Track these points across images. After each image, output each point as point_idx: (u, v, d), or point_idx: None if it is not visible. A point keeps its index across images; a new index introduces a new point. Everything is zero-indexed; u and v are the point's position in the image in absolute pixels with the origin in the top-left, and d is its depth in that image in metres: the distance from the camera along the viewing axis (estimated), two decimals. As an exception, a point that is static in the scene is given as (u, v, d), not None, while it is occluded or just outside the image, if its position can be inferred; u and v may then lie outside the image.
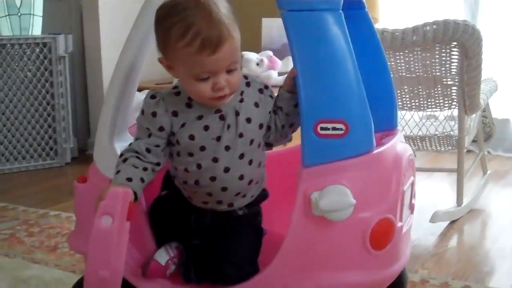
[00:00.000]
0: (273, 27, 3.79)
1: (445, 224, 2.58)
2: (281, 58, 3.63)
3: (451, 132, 2.66)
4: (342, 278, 1.39)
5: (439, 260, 2.22)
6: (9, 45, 3.60)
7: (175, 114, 1.41)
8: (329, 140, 1.36)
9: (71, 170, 3.72)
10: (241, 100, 1.43)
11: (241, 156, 1.43)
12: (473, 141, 3.00)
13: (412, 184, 1.56)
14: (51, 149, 3.77)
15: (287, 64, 3.63)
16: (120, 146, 1.56)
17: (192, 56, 1.31)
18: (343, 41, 1.36)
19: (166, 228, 1.55)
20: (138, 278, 1.51)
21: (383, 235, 1.41)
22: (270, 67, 3.53)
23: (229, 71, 1.34)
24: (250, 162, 1.45)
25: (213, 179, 1.43)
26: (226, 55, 1.32)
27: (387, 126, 1.61)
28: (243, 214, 1.52)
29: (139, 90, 1.74)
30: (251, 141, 1.43)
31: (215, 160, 1.41)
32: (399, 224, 1.44)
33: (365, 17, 1.62)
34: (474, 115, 2.78)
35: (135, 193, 1.36)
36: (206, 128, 1.40)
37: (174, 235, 1.55)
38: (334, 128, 1.35)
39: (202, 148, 1.41)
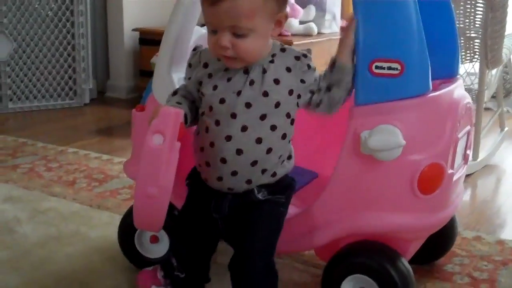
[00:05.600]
0: (296, -26, 3.75)
1: (459, 177, 2.59)
2: (303, 7, 3.60)
3: (471, 86, 2.65)
4: (386, 219, 1.39)
5: None
6: (31, -18, 3.60)
7: (205, 65, 1.39)
8: (384, 79, 1.35)
9: (90, 111, 3.75)
10: (272, 61, 1.35)
11: (263, 117, 1.34)
12: (492, 97, 2.99)
13: (468, 134, 1.54)
14: (70, 89, 3.80)
15: (309, 12, 3.60)
16: (177, 77, 1.58)
17: (201, 2, 1.30)
18: None
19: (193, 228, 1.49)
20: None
21: (432, 179, 1.39)
22: (291, 15, 3.51)
23: (237, 35, 1.28)
24: (273, 128, 1.35)
25: (228, 138, 1.35)
26: (226, 13, 1.26)
27: (447, 74, 1.58)
28: (264, 199, 1.39)
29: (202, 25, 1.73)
30: (277, 104, 1.34)
31: (233, 116, 1.34)
32: (449, 171, 1.42)
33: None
34: (495, 70, 2.75)
35: (185, 116, 1.37)
36: (229, 79, 1.35)
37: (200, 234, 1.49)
38: (389, 68, 1.34)
39: (222, 101, 1.35)
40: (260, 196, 1.39)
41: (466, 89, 2.61)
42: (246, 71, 1.34)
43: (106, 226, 1.98)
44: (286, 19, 1.34)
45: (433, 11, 1.54)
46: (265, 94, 1.33)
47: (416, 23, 1.34)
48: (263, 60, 1.34)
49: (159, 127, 1.27)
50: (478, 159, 2.70)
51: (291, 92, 1.35)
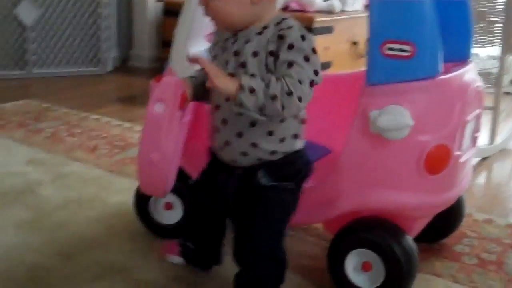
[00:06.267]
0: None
1: (475, 160, 2.61)
2: (327, -17, 3.61)
3: (491, 70, 2.66)
4: (394, 197, 1.44)
5: (466, 194, 2.25)
6: (59, -51, 3.64)
7: (219, 35, 1.42)
8: (395, 61, 1.38)
9: (113, 78, 3.81)
10: (260, 33, 1.30)
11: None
12: (512, 81, 3.00)
13: (478, 117, 1.57)
14: (94, 56, 3.85)
15: (332, -11, 3.60)
16: (194, 50, 1.61)
17: None
18: None
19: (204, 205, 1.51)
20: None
21: (438, 160, 1.43)
22: (314, -9, 3.52)
23: None
24: None
25: (217, 107, 1.37)
26: None
27: (460, 57, 1.61)
28: (269, 185, 1.36)
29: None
30: (252, 76, 1.26)
31: None
32: (457, 152, 1.46)
33: None
34: (516, 55, 2.76)
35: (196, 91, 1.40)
36: (223, 50, 1.35)
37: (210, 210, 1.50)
38: (400, 49, 1.37)
39: None
40: (264, 181, 1.36)
41: (485, 73, 2.65)
42: (234, 41, 1.33)
43: (126, 191, 2.03)
44: None
45: None
46: (242, 65, 1.29)
47: (429, 6, 1.37)
48: (251, 30, 1.31)
49: (161, 95, 1.32)
50: (495, 143, 2.71)
51: (268, 69, 1.27)
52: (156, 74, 1.82)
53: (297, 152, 1.38)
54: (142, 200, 1.76)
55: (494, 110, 2.68)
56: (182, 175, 1.59)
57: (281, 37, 1.25)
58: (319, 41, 3.26)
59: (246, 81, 1.22)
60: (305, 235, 1.80)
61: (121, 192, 2.06)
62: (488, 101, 2.78)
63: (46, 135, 2.62)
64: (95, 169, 2.27)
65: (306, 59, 1.23)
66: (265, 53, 1.26)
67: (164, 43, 3.89)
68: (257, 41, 1.28)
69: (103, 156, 2.41)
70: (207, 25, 1.66)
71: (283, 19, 1.30)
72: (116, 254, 1.68)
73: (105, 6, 3.77)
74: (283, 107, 1.22)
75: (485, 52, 2.72)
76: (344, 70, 3.40)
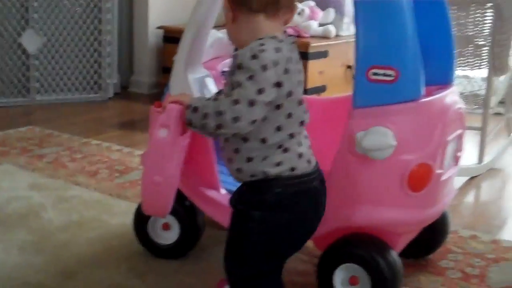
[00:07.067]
0: (316, -22, 3.85)
1: (464, 179, 2.69)
2: (322, 9, 3.70)
3: (479, 92, 2.75)
4: (379, 213, 1.52)
5: (453, 212, 2.30)
6: (61, -20, 3.76)
7: None
8: (379, 85, 1.48)
9: (113, 105, 3.89)
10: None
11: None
12: (501, 102, 3.07)
13: (460, 137, 1.65)
14: (95, 83, 3.95)
15: (328, 15, 3.70)
16: (192, 77, 1.70)
17: None
18: None
19: None
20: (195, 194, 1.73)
21: (421, 178, 1.52)
22: (310, 17, 3.62)
23: None
24: None
25: None
26: None
27: (443, 80, 1.70)
28: (238, 209, 1.39)
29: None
30: (219, 92, 1.41)
31: None
32: (438, 170, 1.54)
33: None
34: (503, 77, 2.85)
35: None
36: None
37: None
38: (385, 74, 1.47)
39: None
40: (233, 200, 1.40)
41: (474, 95, 2.74)
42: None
43: (125, 214, 2.11)
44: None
45: (430, 21, 1.66)
46: (225, 84, 1.38)
47: (412, 34, 1.46)
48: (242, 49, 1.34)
49: (165, 122, 1.41)
50: (483, 163, 2.79)
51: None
52: (156, 100, 1.91)
53: (268, 177, 1.34)
54: (141, 221, 1.84)
55: (482, 130, 2.76)
56: (179, 196, 1.67)
57: (235, 57, 1.31)
58: (315, 65, 3.41)
59: (194, 100, 1.35)
60: (298, 253, 1.87)
61: (120, 215, 2.14)
62: (477, 122, 2.87)
63: (48, 161, 2.70)
64: (96, 193, 2.35)
65: (250, 78, 1.26)
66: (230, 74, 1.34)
67: (164, 69, 3.98)
68: (233, 60, 1.34)
69: (103, 180, 2.49)
70: (205, 53, 1.75)
71: (259, 41, 1.31)
72: (115, 273, 1.76)
73: (106, 33, 3.88)
74: (218, 126, 1.28)
75: (474, 74, 2.81)
76: (338, 93, 3.50)
